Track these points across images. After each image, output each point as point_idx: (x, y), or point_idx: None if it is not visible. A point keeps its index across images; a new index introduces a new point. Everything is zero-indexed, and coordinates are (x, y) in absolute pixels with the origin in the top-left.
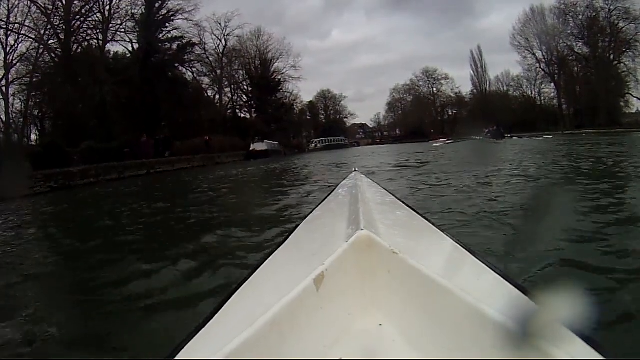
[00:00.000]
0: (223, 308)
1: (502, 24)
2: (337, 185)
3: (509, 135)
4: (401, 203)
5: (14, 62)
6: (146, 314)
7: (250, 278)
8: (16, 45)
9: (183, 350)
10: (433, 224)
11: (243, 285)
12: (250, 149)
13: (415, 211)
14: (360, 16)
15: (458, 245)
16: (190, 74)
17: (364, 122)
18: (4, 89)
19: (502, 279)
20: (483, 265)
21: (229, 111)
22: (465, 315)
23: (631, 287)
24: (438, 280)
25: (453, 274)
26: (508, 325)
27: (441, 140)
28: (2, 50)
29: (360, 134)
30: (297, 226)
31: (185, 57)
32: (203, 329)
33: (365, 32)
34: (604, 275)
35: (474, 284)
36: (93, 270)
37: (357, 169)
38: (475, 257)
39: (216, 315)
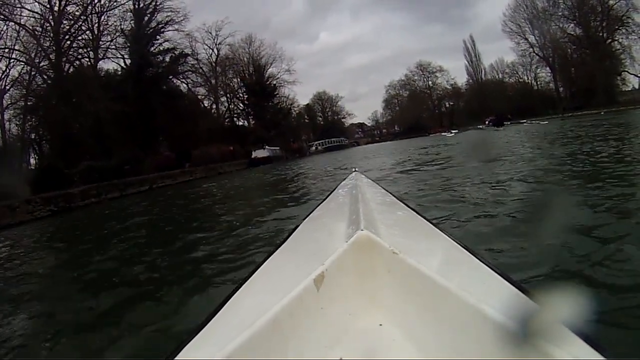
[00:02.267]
0: (223, 308)
1: (490, 12)
2: (337, 186)
3: (508, 122)
4: (401, 203)
5: (7, 87)
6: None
7: (251, 278)
8: (8, 70)
9: (183, 350)
10: (433, 224)
11: (243, 285)
12: (252, 156)
13: (415, 211)
14: (345, 17)
15: (458, 245)
16: (185, 85)
17: (361, 121)
18: None
19: (502, 278)
20: (483, 265)
21: (226, 120)
22: (465, 315)
23: (631, 287)
24: (438, 280)
25: (453, 274)
26: (508, 325)
27: (452, 131)
28: None
29: (359, 133)
30: (297, 226)
31: (179, 68)
32: (203, 329)
33: (352, 32)
34: (604, 276)
35: (474, 283)
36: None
37: (357, 169)
38: (475, 257)
39: (216, 315)
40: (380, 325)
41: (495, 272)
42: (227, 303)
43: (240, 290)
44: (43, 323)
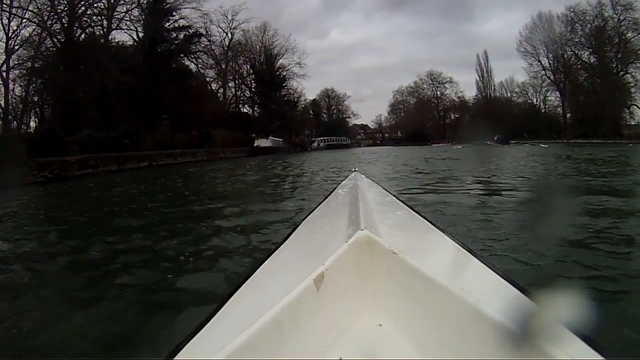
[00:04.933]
0: (223, 308)
1: (500, 31)
2: (337, 185)
3: (513, 142)
4: (401, 203)
5: (16, 47)
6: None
7: (251, 277)
8: (18, 30)
9: (183, 350)
10: (433, 224)
11: (243, 285)
12: (255, 144)
13: (416, 211)
14: (359, 18)
15: (458, 245)
16: (194, 65)
17: (365, 123)
18: (4, 74)
19: (502, 279)
20: (483, 265)
21: (232, 106)
22: (465, 315)
23: (630, 288)
24: (438, 280)
25: (453, 274)
26: (508, 325)
27: (445, 142)
28: (4, 35)
29: (361, 134)
30: (297, 226)
31: (192, 47)
32: (203, 329)
33: (364, 33)
34: (604, 276)
35: (474, 284)
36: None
37: (357, 169)
38: (475, 257)
39: (216, 315)
40: (380, 325)
41: (495, 272)
42: (227, 302)
43: (240, 289)
44: None
